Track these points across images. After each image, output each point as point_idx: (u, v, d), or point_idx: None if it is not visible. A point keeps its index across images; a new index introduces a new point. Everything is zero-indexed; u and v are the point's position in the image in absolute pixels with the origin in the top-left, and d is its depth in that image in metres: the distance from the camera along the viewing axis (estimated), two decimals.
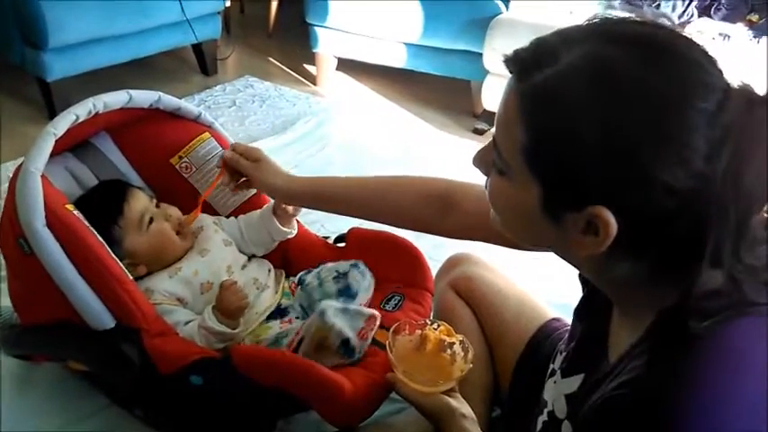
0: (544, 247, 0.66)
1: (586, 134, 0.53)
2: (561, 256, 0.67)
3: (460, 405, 0.88)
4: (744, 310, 0.54)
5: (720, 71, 0.55)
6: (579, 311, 0.82)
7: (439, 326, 0.98)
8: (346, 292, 1.09)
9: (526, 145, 0.57)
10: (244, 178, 1.17)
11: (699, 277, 0.54)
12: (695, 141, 0.52)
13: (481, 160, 0.67)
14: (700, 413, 0.50)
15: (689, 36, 0.56)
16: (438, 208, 1.00)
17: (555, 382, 0.80)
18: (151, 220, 1.14)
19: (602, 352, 0.71)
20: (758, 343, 0.54)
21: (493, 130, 0.63)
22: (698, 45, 0.56)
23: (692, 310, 0.54)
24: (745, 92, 0.54)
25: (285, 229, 1.23)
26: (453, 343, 0.96)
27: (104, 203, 1.11)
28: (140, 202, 1.15)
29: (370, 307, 1.12)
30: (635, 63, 0.53)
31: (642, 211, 0.54)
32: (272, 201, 1.23)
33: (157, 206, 1.18)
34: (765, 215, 0.56)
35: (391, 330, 0.95)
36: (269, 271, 1.23)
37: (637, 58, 0.53)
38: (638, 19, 0.57)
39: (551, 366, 0.85)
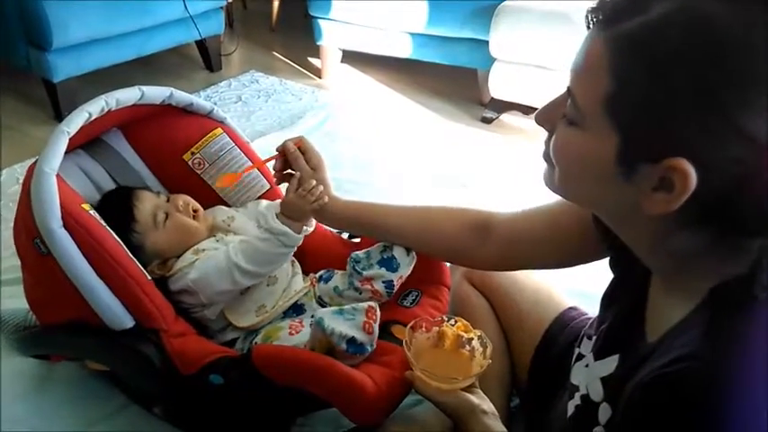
0: (602, 208, 0.66)
1: (677, 86, 0.52)
2: (616, 225, 0.66)
3: (481, 401, 0.87)
4: None
5: None
6: (608, 296, 0.81)
7: (456, 322, 0.96)
8: (387, 264, 1.09)
9: (610, 93, 0.56)
10: (288, 171, 1.11)
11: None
12: None
13: (547, 115, 0.66)
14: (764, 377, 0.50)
15: None
16: (476, 237, 1.00)
17: (587, 365, 0.79)
18: (166, 216, 1.14)
19: (638, 333, 0.70)
20: None
21: (567, 82, 0.61)
22: None
23: (758, 279, 0.53)
24: None
25: (309, 228, 1.19)
26: (471, 339, 0.94)
27: (115, 214, 1.09)
28: (148, 201, 1.14)
29: (388, 303, 1.12)
30: (735, 20, 0.51)
31: (720, 169, 0.53)
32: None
33: (167, 200, 1.18)
34: None
35: (408, 327, 0.94)
36: (293, 262, 1.22)
37: (736, 15, 0.52)
38: None
39: (577, 351, 0.84)
